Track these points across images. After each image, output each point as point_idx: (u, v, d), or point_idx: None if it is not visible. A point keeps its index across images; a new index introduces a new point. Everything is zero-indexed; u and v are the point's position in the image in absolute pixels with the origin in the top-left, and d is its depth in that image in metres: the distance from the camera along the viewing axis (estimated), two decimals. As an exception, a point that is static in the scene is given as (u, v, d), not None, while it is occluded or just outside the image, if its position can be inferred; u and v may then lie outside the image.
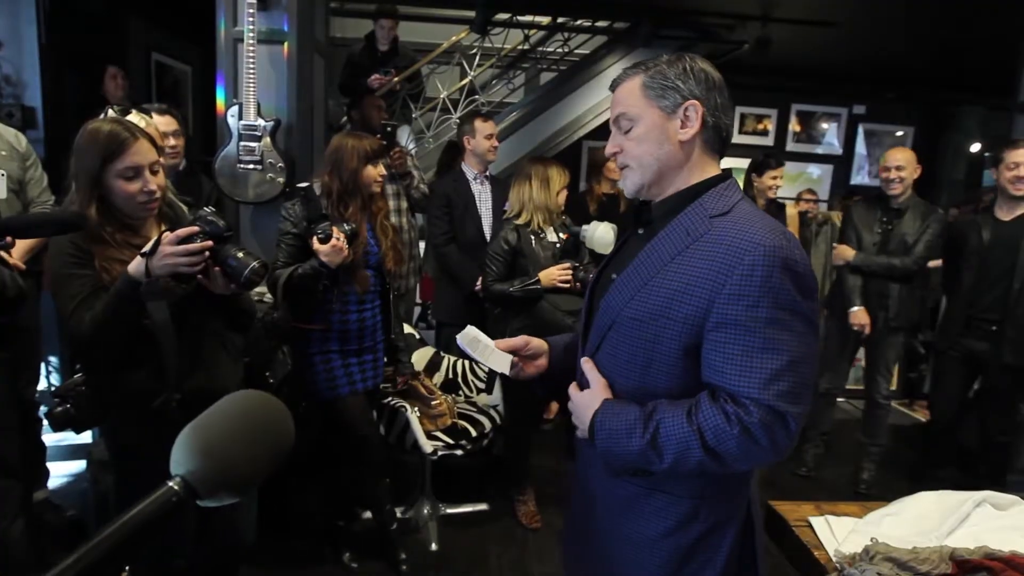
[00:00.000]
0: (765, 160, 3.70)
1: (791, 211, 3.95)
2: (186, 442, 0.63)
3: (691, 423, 1.03)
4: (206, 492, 0.62)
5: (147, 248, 1.47)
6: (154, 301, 1.48)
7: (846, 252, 3.33)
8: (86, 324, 1.49)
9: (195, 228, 1.48)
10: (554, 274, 2.64)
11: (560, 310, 2.64)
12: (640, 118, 1.13)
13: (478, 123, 3.23)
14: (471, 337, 1.28)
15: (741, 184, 5.06)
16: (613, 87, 1.19)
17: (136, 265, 1.47)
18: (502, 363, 1.31)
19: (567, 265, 2.65)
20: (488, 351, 1.28)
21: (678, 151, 1.12)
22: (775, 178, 3.59)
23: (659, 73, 1.12)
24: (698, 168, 1.14)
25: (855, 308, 3.30)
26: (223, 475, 0.63)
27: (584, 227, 2.68)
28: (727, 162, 1.19)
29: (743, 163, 6.80)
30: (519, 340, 1.33)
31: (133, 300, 1.48)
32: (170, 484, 0.61)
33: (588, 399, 1.16)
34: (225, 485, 0.63)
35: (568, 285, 2.63)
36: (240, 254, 1.52)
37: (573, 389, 1.22)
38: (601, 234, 2.62)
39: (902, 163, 3.20)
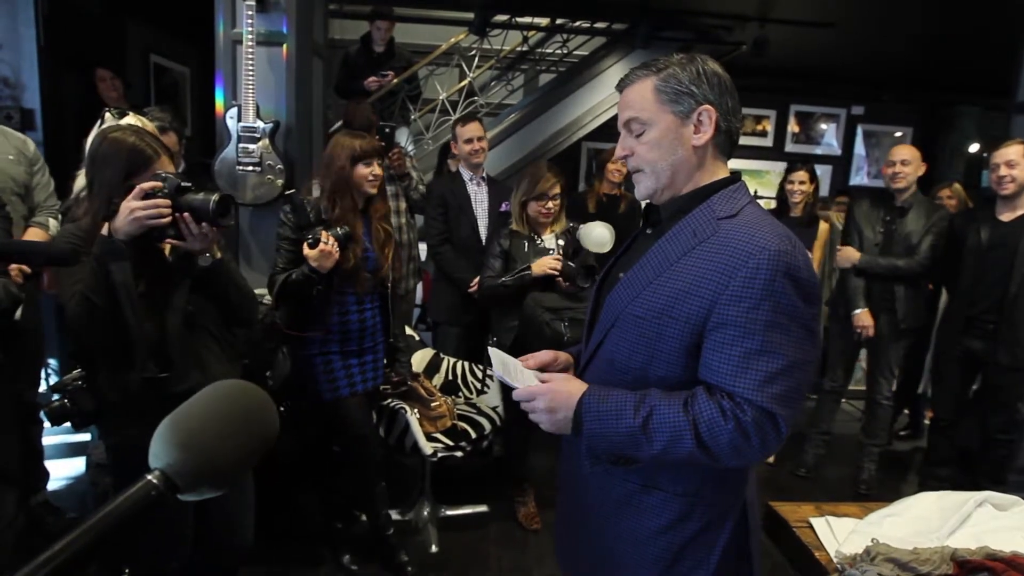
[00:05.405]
0: (792, 164, 3.70)
1: (824, 226, 3.72)
2: (165, 434, 0.61)
3: (687, 413, 1.03)
4: (186, 486, 0.60)
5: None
6: (116, 262, 1.44)
7: (851, 254, 3.30)
8: (76, 299, 1.45)
9: (159, 184, 1.46)
10: (547, 262, 2.65)
11: (541, 306, 2.65)
12: (653, 122, 1.11)
13: (458, 129, 3.28)
14: (500, 360, 1.22)
15: (772, 188, 4.81)
16: (621, 87, 1.16)
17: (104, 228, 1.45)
18: (531, 381, 1.25)
19: (559, 256, 2.69)
20: (519, 371, 1.23)
21: (691, 156, 1.12)
22: (792, 181, 3.54)
23: (672, 76, 1.10)
24: (708, 170, 1.14)
25: (858, 311, 3.29)
26: (203, 468, 0.61)
27: (581, 226, 2.70)
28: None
29: (741, 164, 6.86)
30: (547, 355, 1.30)
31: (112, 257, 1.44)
32: (149, 478, 0.59)
33: (568, 385, 1.13)
34: (206, 478, 0.61)
35: (558, 273, 2.64)
36: (200, 195, 1.50)
37: (532, 386, 1.15)
38: (588, 231, 2.63)
39: (907, 157, 3.20)
